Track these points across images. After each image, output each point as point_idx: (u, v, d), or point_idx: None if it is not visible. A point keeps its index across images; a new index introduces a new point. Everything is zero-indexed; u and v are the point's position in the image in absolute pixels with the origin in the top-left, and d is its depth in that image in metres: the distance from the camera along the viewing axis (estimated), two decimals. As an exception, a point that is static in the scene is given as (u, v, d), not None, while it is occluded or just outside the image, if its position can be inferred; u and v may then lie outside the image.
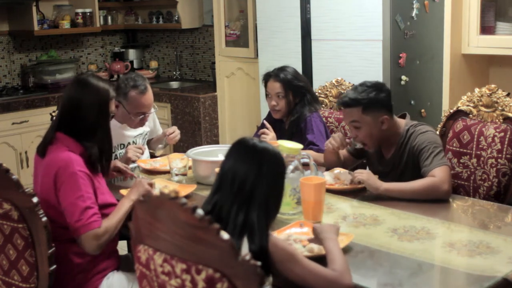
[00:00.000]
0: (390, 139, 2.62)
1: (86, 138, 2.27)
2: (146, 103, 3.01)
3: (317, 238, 1.89)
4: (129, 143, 3.18)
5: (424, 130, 2.56)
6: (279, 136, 3.08)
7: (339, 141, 2.70)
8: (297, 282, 1.68)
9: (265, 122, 3.16)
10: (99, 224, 2.15)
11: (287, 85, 3.12)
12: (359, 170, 2.53)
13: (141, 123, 3.08)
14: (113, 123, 3.05)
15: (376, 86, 2.57)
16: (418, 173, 2.49)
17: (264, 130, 3.08)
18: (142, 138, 3.26)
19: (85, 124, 2.28)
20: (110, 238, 2.21)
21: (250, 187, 1.66)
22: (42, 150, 2.29)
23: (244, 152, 1.72)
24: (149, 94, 3.03)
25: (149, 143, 3.38)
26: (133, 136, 3.20)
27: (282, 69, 3.17)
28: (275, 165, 1.72)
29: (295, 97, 3.14)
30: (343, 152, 2.89)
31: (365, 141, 2.61)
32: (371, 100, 2.52)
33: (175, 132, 3.18)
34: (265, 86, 3.20)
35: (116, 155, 3.13)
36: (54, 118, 2.38)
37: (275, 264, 1.66)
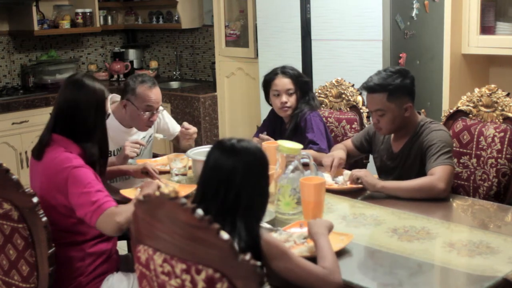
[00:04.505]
0: (404, 129, 2.60)
1: (85, 139, 2.26)
2: (154, 97, 3.01)
3: (309, 232, 1.90)
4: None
5: (437, 128, 2.55)
6: (280, 135, 3.07)
7: (331, 165, 2.67)
8: (289, 279, 1.70)
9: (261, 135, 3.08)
10: (115, 204, 2.12)
11: (297, 81, 3.11)
12: (356, 170, 2.53)
13: (150, 122, 3.05)
14: (117, 127, 3.05)
15: (401, 72, 2.55)
16: (424, 172, 2.47)
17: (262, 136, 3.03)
18: (146, 141, 3.24)
19: (83, 125, 2.26)
20: (129, 222, 2.00)
21: (235, 191, 1.63)
22: (37, 153, 2.26)
23: (225, 152, 1.68)
24: (157, 90, 3.04)
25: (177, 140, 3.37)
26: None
27: (286, 67, 3.16)
28: (256, 162, 1.69)
29: (301, 94, 3.13)
30: (348, 144, 2.89)
31: (384, 127, 2.58)
32: (397, 86, 2.50)
33: (191, 129, 3.16)
34: (269, 85, 3.14)
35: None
36: (48, 120, 2.34)
37: (268, 262, 1.67)
